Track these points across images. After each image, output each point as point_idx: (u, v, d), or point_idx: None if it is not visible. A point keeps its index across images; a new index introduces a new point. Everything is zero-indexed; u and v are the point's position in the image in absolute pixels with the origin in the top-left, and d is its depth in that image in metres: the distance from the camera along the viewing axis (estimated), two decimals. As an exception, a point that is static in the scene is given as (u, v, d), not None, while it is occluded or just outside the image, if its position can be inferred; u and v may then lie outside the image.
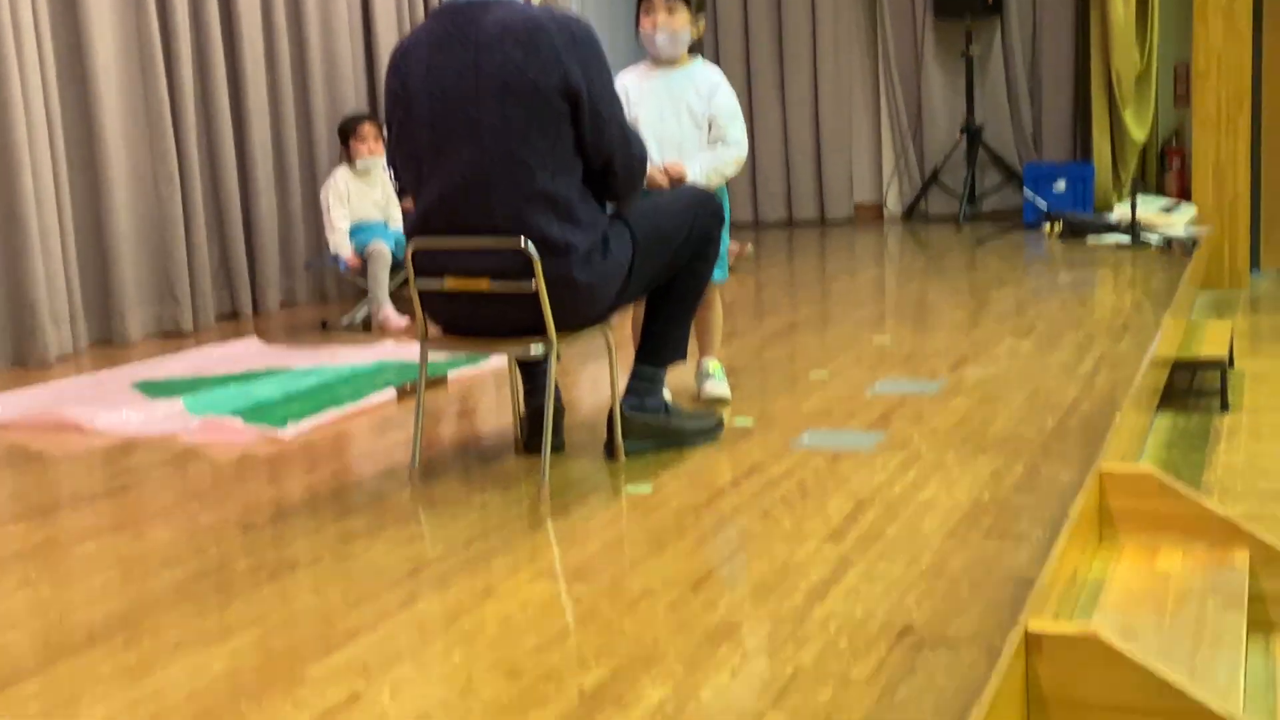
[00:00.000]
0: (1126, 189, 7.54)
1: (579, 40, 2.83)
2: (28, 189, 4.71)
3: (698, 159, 3.51)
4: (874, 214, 8.91)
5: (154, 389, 4.25)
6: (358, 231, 5.45)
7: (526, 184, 2.80)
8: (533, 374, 3.22)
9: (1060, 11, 8.17)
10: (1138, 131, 7.81)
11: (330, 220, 5.45)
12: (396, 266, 5.31)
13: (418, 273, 2.97)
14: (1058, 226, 7.25)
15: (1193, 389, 5.33)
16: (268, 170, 5.85)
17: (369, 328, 5.36)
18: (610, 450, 3.13)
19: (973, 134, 8.15)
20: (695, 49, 3.68)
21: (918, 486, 2.79)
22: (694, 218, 3.13)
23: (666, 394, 3.31)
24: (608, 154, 2.91)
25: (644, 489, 2.87)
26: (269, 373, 4.43)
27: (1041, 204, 7.61)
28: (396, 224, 5.52)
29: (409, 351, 4.43)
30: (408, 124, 2.91)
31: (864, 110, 8.88)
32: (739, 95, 8.85)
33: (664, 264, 3.09)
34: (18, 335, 4.82)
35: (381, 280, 5.30)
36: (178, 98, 5.41)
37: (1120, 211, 7.20)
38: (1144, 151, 8.01)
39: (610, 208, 3.06)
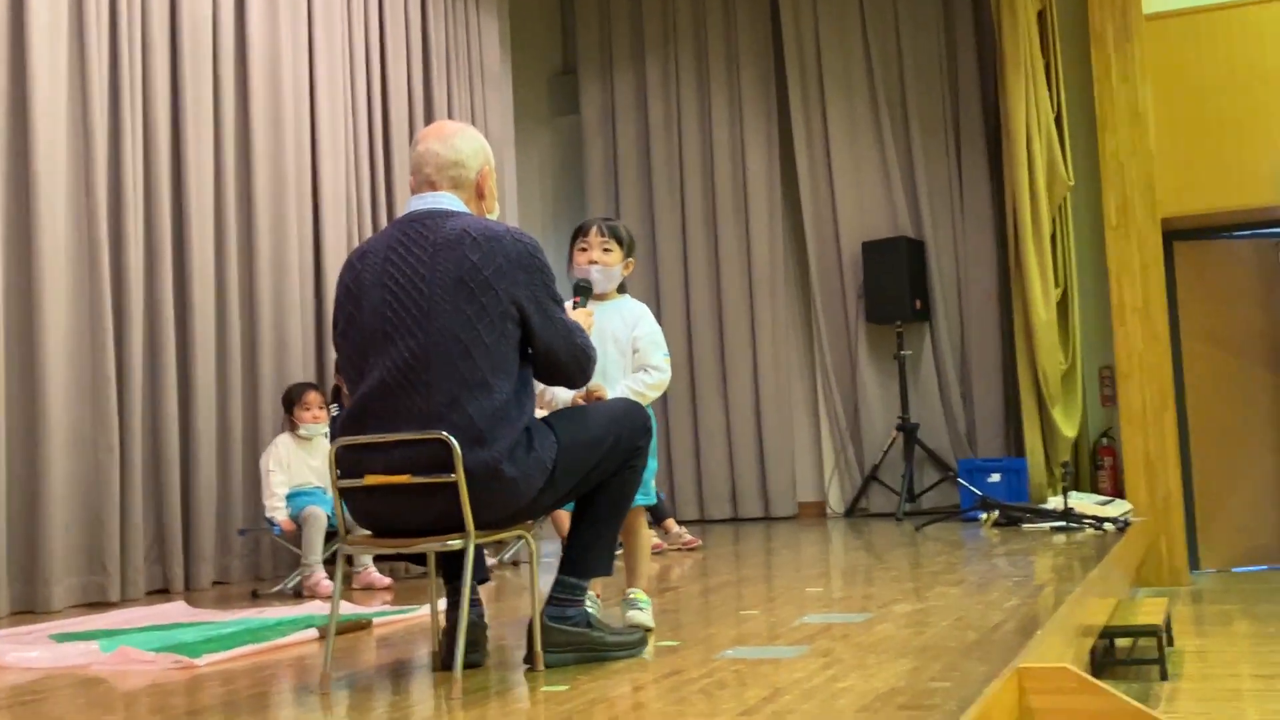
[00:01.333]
0: (1060, 484, 7.70)
1: (529, 252, 3.04)
2: (-36, 445, 4.72)
3: (621, 384, 3.62)
4: (817, 511, 9.00)
5: (69, 637, 4.14)
6: (294, 496, 5.46)
7: (467, 371, 2.91)
8: (456, 589, 3.20)
9: (985, 314, 8.57)
10: (1067, 428, 8.05)
11: (268, 485, 5.47)
12: (332, 533, 5.30)
13: (342, 472, 3.00)
14: (994, 515, 7.35)
15: (1132, 657, 5.31)
16: (210, 443, 5.90)
17: (300, 595, 5.29)
18: (530, 660, 3.07)
19: (909, 432, 8.37)
20: (623, 289, 3.87)
21: (836, 679, 2.75)
22: (620, 427, 3.21)
23: (591, 606, 3.28)
24: (554, 349, 3.08)
25: (560, 687, 2.81)
26: (192, 624, 4.35)
27: (976, 491, 7.75)
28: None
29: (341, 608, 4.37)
30: (357, 317, 3.04)
31: (804, 410, 9.14)
32: (683, 396, 9.13)
33: (589, 469, 3.13)
34: (-63, 595, 4.71)
35: (315, 545, 5.28)
36: (125, 367, 5.51)
37: (1055, 502, 7.33)
38: (1076, 449, 8.23)
39: (538, 412, 3.15)
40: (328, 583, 5.24)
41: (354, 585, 5.41)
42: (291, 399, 5.63)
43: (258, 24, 6.35)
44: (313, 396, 5.60)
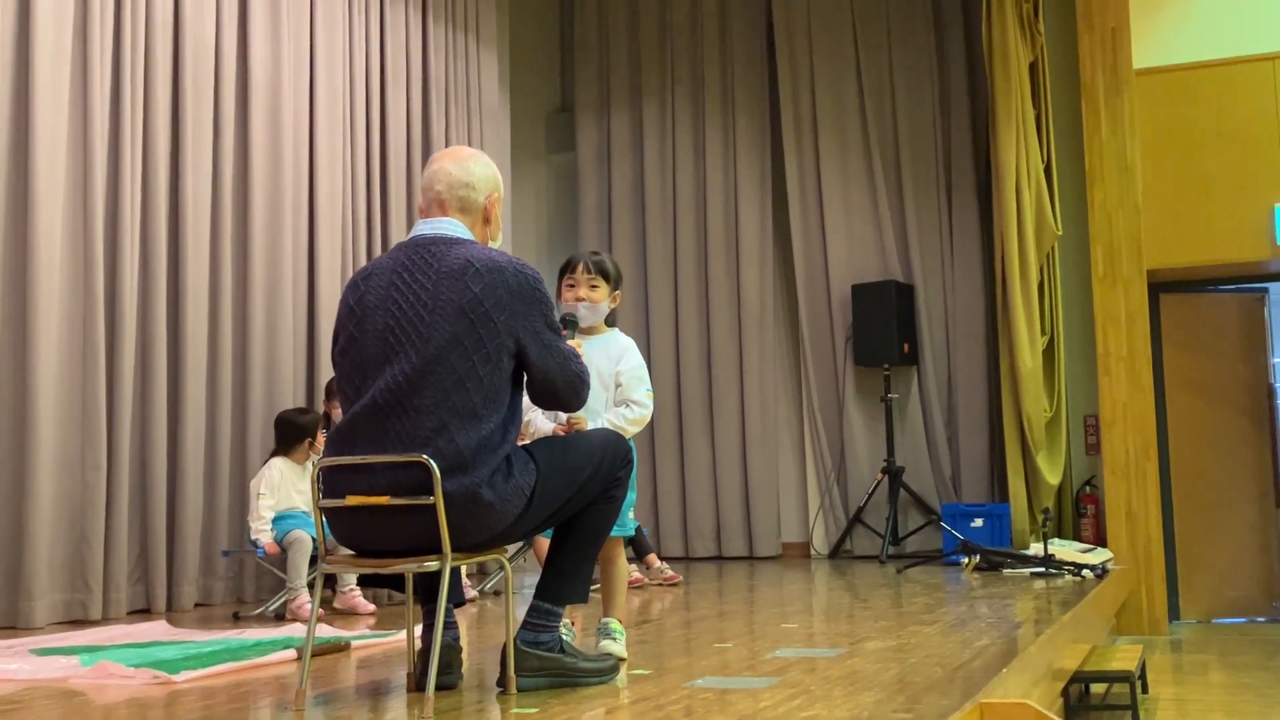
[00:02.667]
0: (1041, 530, 7.75)
1: (531, 284, 3.12)
2: (-47, 459, 4.76)
3: (603, 416, 3.68)
4: (801, 552, 9.04)
5: (50, 651, 4.18)
6: (280, 519, 5.50)
7: (459, 401, 2.97)
8: (432, 611, 3.24)
9: (972, 359, 8.65)
10: (1051, 475, 8.10)
11: (255, 508, 5.51)
12: (316, 557, 5.34)
13: (325, 492, 3.06)
14: (975, 560, 7.39)
15: (1105, 703, 5.35)
16: (198, 464, 5.93)
17: (281, 617, 5.31)
18: (503, 684, 3.12)
19: (894, 474, 8.42)
20: (613, 322, 3.93)
21: (801, 709, 2.80)
22: (601, 457, 3.26)
23: (566, 634, 3.33)
24: (551, 377, 3.16)
25: (531, 710, 2.86)
26: (171, 643, 4.38)
27: (958, 535, 7.80)
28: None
29: (320, 630, 4.41)
30: (358, 338, 3.11)
31: (790, 450, 9.19)
32: (669, 434, 9.17)
33: (569, 498, 3.18)
34: (-80, 607, 4.73)
35: (301, 569, 5.32)
36: (115, 388, 5.55)
37: (1036, 549, 7.38)
38: (1059, 496, 8.28)
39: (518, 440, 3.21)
40: (364, 603, 5.26)
41: (336, 605, 5.44)
42: (306, 429, 5.64)
43: (259, 52, 6.45)
44: (321, 436, 5.67)
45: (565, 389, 3.21)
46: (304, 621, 5.10)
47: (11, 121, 5.24)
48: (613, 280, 3.85)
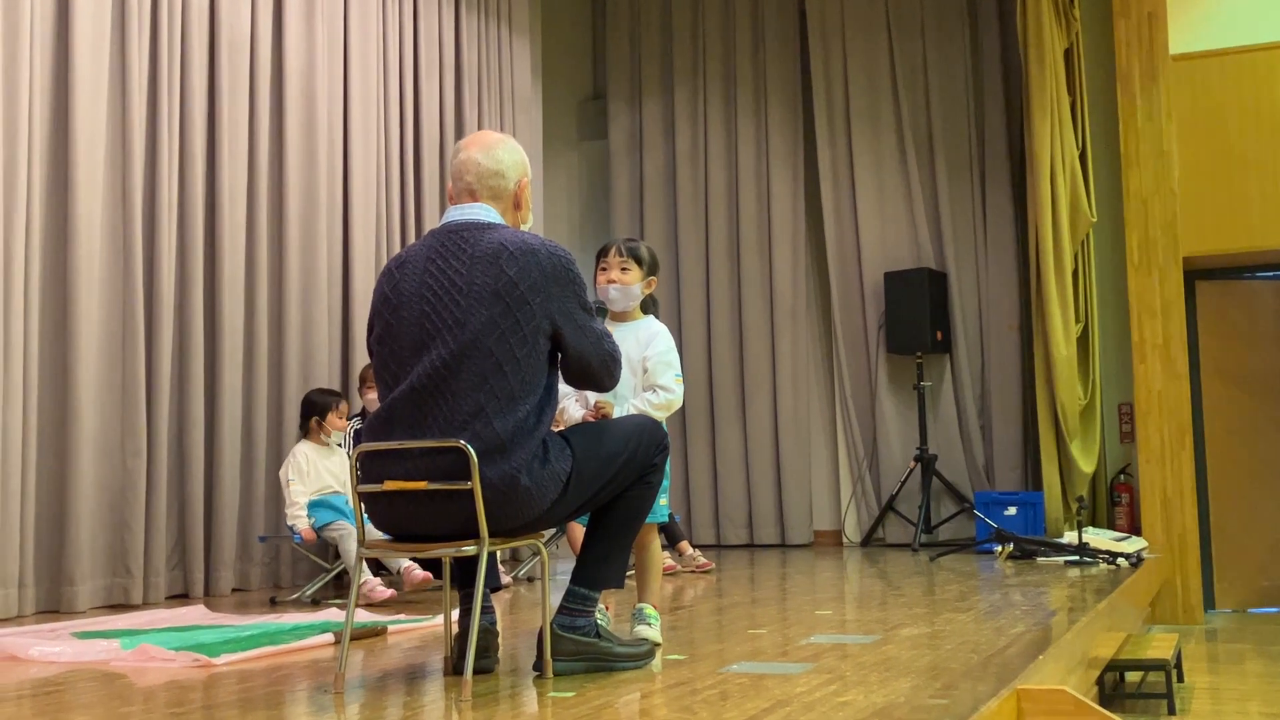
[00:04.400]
0: (1075, 518, 7.72)
1: (564, 266, 3.14)
2: (-6, 446, 4.83)
3: (630, 402, 3.69)
4: (833, 540, 9.04)
5: (92, 634, 4.23)
6: (317, 505, 5.54)
7: (496, 384, 3.00)
8: (469, 595, 3.27)
9: (1006, 347, 8.61)
10: (1085, 464, 8.06)
11: (289, 495, 5.56)
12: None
13: (363, 477, 3.09)
14: (1008, 548, 7.37)
15: (1141, 691, 5.33)
16: (235, 451, 5.99)
17: (318, 603, 5.36)
18: (539, 668, 3.14)
19: (927, 463, 8.40)
20: (650, 309, 3.92)
21: (837, 694, 2.81)
22: (637, 443, 3.27)
23: (602, 618, 3.35)
24: (584, 354, 3.18)
25: (567, 694, 2.88)
26: (210, 627, 4.43)
27: (992, 524, 7.77)
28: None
29: (357, 615, 4.44)
30: (395, 325, 3.13)
31: (822, 438, 9.18)
32: (702, 421, 9.17)
33: (604, 483, 3.20)
34: (-37, 592, 4.80)
35: (354, 554, 5.33)
36: (154, 375, 5.62)
37: (1070, 537, 7.35)
38: (1093, 485, 8.24)
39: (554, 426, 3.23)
40: (382, 589, 5.31)
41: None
42: (325, 407, 5.70)
43: (294, 42, 6.49)
44: (344, 405, 5.72)
45: (600, 368, 3.24)
46: (376, 604, 5.13)
47: (52, 113, 5.30)
48: (646, 265, 3.84)
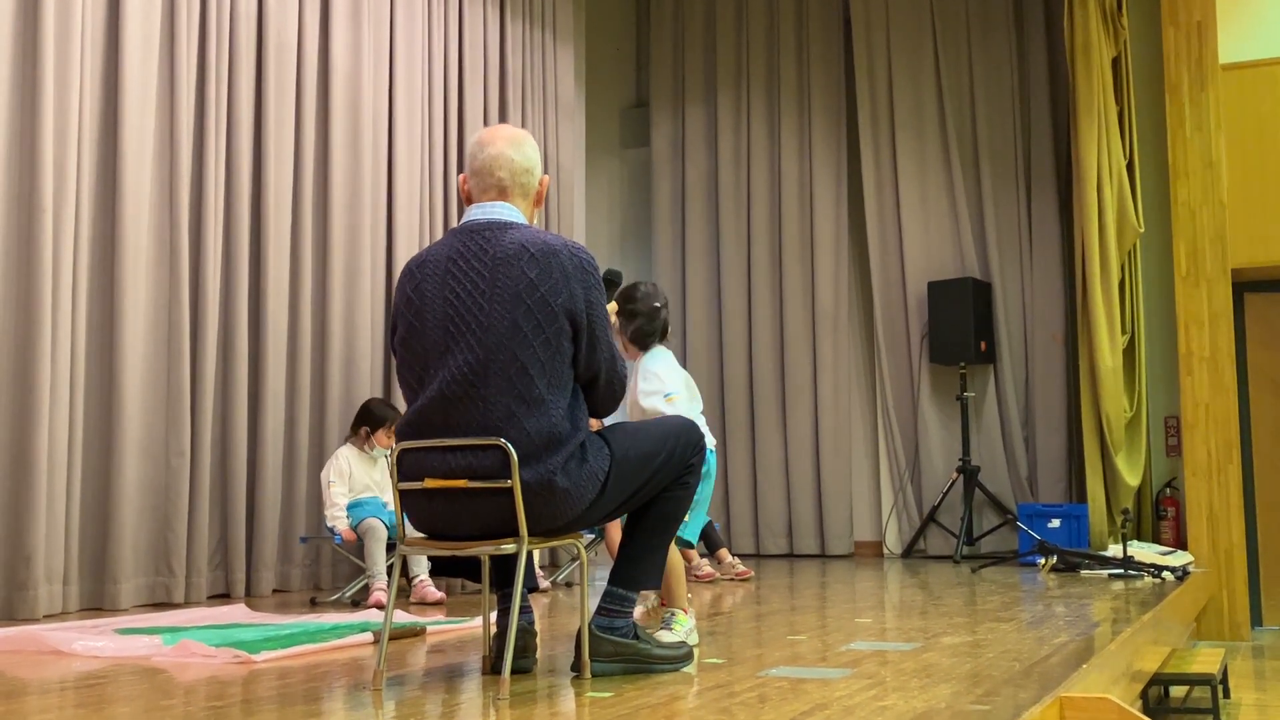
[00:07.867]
0: (1120, 531, 7.63)
1: (585, 267, 3.13)
2: (42, 444, 4.87)
3: (641, 406, 3.74)
4: (874, 551, 8.98)
5: (134, 631, 4.27)
6: (355, 506, 5.57)
7: (522, 385, 2.99)
8: (507, 596, 3.26)
9: (1051, 358, 8.53)
10: (1130, 477, 7.97)
11: (329, 496, 5.59)
12: (392, 545, 5.39)
13: (401, 476, 3.09)
14: (1052, 560, 7.29)
15: (1186, 706, 5.25)
16: (277, 453, 6.03)
17: (357, 604, 5.38)
18: (577, 668, 3.13)
19: (969, 474, 8.33)
20: (661, 339, 3.94)
21: (877, 699, 2.78)
22: (675, 444, 3.27)
23: (643, 607, 3.34)
24: (597, 370, 3.15)
25: (605, 694, 2.87)
26: (251, 625, 4.46)
27: (1035, 535, 7.70)
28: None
29: (396, 615, 4.46)
30: (419, 328, 3.12)
31: (863, 449, 9.13)
32: (742, 430, 9.10)
33: (641, 484, 3.19)
34: (9, 588, 4.84)
35: (376, 556, 5.37)
36: (199, 376, 5.66)
37: (1115, 550, 7.26)
38: (1139, 498, 8.15)
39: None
40: (434, 590, 5.31)
41: (410, 600, 5.48)
42: (377, 420, 5.71)
43: (340, 47, 6.53)
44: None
45: (604, 386, 3.20)
46: (382, 609, 5.16)
47: (101, 116, 5.36)
48: (623, 313, 3.93)
